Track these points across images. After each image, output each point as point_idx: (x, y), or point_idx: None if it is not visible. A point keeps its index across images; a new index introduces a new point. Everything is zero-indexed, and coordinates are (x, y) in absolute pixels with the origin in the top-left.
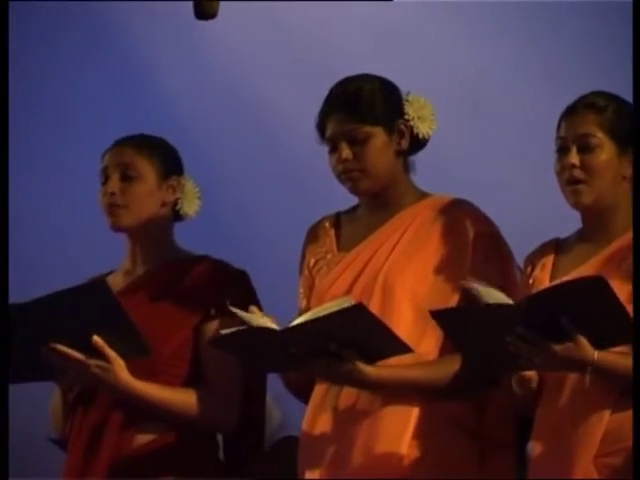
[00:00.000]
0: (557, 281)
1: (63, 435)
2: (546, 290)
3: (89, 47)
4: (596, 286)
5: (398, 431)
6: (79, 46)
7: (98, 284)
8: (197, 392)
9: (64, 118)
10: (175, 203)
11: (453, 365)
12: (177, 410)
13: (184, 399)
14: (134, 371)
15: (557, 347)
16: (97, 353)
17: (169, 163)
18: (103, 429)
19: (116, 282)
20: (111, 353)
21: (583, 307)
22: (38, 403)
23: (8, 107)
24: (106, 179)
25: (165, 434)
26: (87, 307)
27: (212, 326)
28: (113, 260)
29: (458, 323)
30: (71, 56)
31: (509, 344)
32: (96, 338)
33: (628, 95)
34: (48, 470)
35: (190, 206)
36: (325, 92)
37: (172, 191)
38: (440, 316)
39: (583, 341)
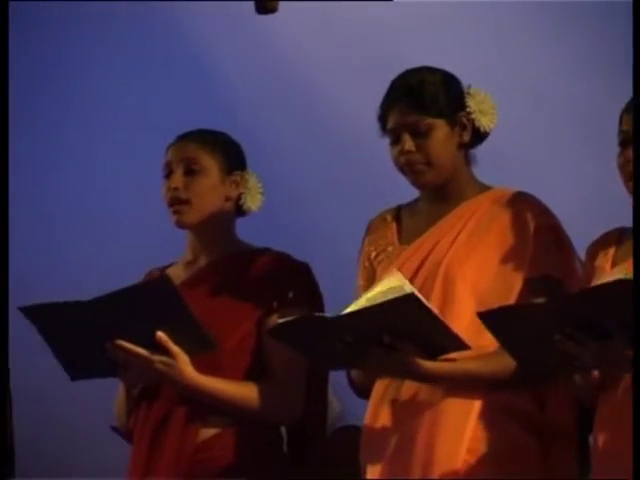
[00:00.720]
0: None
1: (127, 430)
2: (586, 291)
3: (146, 40)
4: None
5: (459, 424)
6: (141, 40)
7: (161, 280)
8: (261, 385)
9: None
10: (238, 198)
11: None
12: (241, 404)
13: (248, 392)
14: (197, 365)
15: (605, 346)
16: (161, 349)
17: (232, 158)
18: (167, 423)
19: (177, 274)
20: (175, 348)
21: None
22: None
23: (8, 107)
24: (169, 174)
25: (229, 428)
26: (150, 303)
27: (275, 318)
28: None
29: (505, 323)
30: (131, 50)
31: (558, 343)
32: (160, 334)
33: (628, 95)
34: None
35: (253, 201)
36: (385, 85)
37: (235, 186)
38: (487, 318)
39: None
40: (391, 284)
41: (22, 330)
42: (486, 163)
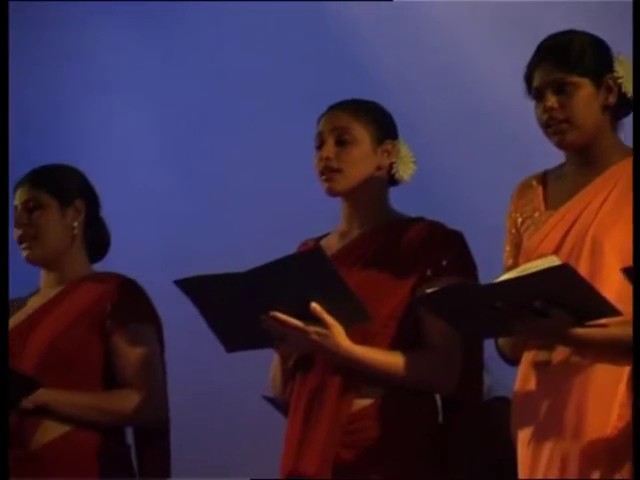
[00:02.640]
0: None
1: (283, 401)
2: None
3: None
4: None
5: (610, 389)
6: None
7: (315, 251)
8: (416, 354)
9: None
10: (390, 167)
11: None
12: (396, 373)
13: (403, 361)
14: (351, 335)
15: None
16: (315, 319)
17: (384, 127)
18: (322, 394)
19: (331, 244)
20: (329, 319)
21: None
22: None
23: (8, 107)
24: (321, 144)
25: (384, 398)
26: (304, 274)
27: (428, 287)
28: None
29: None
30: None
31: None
32: (314, 305)
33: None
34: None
35: (405, 170)
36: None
37: (387, 155)
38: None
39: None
40: (547, 261)
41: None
42: None
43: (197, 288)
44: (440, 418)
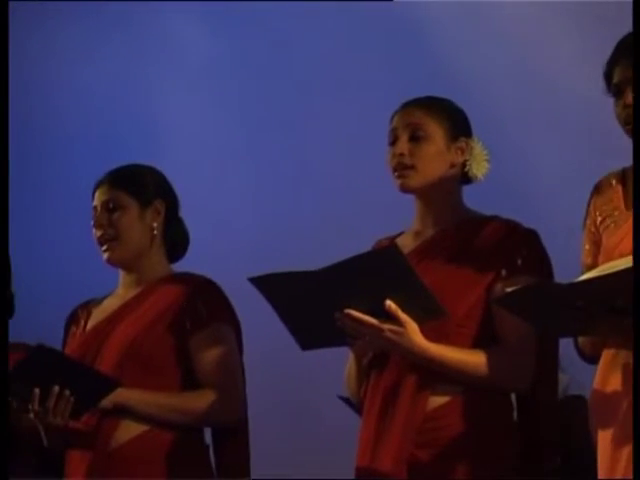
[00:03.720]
0: None
1: (358, 400)
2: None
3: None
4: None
5: None
6: None
7: (390, 248)
8: (491, 352)
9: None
10: (464, 165)
11: None
12: (472, 371)
13: (479, 360)
14: (425, 333)
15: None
16: (390, 317)
17: (458, 124)
18: (397, 392)
19: (406, 243)
20: (404, 317)
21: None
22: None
23: (8, 107)
24: (395, 140)
25: (459, 396)
26: (379, 271)
27: (503, 286)
28: None
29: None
30: None
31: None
32: (389, 302)
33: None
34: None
35: (479, 168)
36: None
37: (460, 153)
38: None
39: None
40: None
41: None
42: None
43: (272, 286)
44: (515, 416)
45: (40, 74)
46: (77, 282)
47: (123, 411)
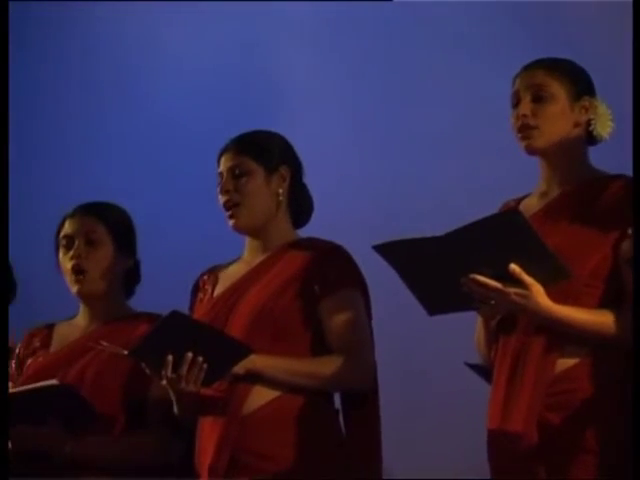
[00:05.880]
0: None
1: (490, 363)
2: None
3: None
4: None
5: None
6: None
7: (511, 211)
8: (619, 311)
9: None
10: (588, 124)
11: None
12: (598, 331)
13: (606, 319)
14: (552, 295)
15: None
16: (515, 280)
17: (581, 84)
18: (525, 354)
19: (531, 205)
20: (529, 279)
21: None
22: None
23: (8, 107)
24: (517, 102)
25: (587, 357)
26: (502, 235)
27: (630, 244)
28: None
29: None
30: None
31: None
32: (513, 266)
33: (628, 95)
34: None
35: (603, 128)
36: None
37: (584, 112)
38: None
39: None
40: None
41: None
42: None
43: (397, 253)
44: None
45: None
46: None
47: (255, 377)
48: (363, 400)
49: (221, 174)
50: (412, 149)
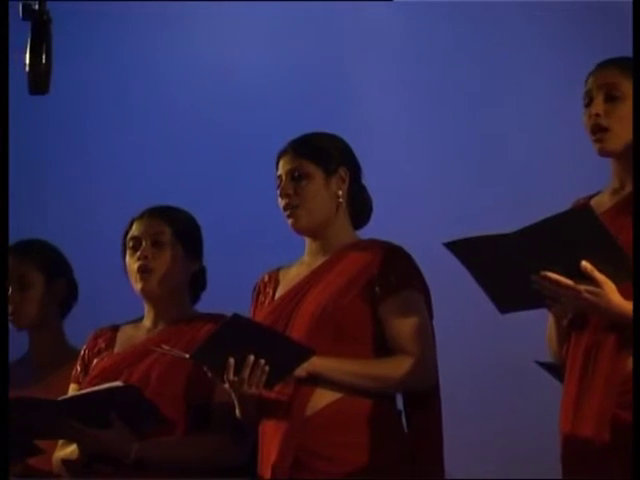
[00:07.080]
0: None
1: (561, 362)
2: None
3: None
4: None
5: None
6: None
7: (583, 209)
8: None
9: None
10: None
11: None
12: None
13: None
14: (624, 293)
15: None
16: (587, 278)
17: None
18: (597, 353)
19: (602, 202)
20: (601, 277)
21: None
22: None
23: (8, 107)
24: (590, 101)
25: None
26: (574, 232)
27: None
28: None
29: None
30: None
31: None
32: (585, 263)
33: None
34: None
35: None
36: None
37: None
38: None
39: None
40: None
41: None
42: None
43: (467, 250)
44: None
45: None
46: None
47: (317, 379)
48: (425, 401)
49: (280, 177)
50: (472, 149)
